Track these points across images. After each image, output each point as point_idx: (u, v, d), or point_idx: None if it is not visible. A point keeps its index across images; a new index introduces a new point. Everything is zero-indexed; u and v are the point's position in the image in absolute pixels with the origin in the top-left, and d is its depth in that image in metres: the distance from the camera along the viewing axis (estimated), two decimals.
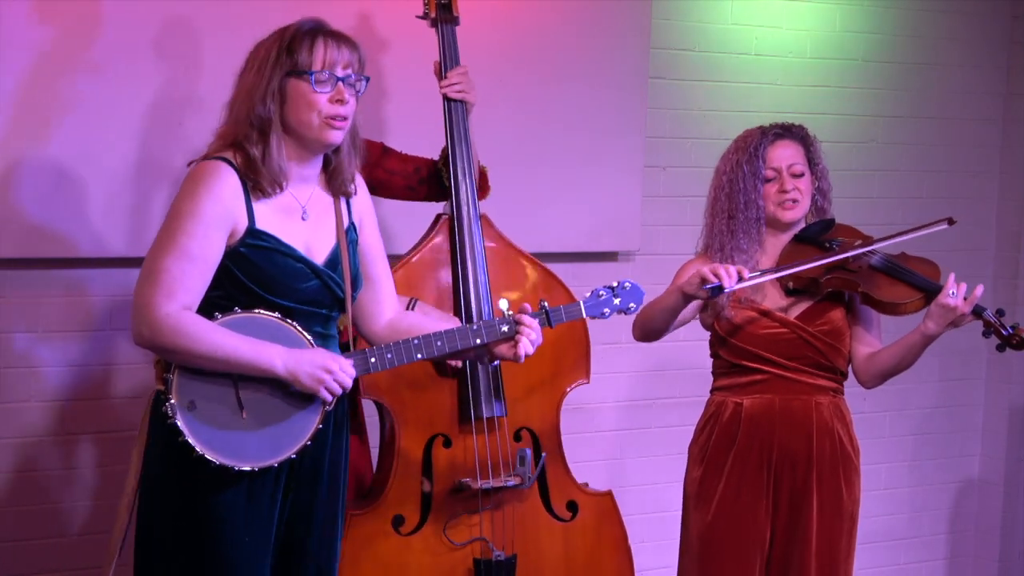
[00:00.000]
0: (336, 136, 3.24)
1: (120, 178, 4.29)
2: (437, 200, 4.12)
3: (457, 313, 3.94)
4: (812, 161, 3.98)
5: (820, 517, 3.91)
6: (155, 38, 4.29)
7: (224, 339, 3.12)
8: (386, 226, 4.14)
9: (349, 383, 3.22)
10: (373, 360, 3.28)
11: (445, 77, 4.02)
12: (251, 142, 3.19)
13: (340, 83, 3.22)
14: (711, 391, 4.05)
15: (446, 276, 3.98)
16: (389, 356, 3.29)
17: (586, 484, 4.12)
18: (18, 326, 4.28)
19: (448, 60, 4.04)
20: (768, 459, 3.92)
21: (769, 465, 3.92)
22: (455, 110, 4.02)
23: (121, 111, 4.27)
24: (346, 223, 3.35)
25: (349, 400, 3.42)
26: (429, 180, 4.09)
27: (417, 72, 4.28)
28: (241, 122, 3.21)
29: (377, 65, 4.45)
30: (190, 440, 3.13)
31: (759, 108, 5.18)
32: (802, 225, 4.00)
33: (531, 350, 3.38)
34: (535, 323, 3.38)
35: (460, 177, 4.00)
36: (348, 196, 3.36)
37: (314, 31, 3.24)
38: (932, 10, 5.62)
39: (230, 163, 3.20)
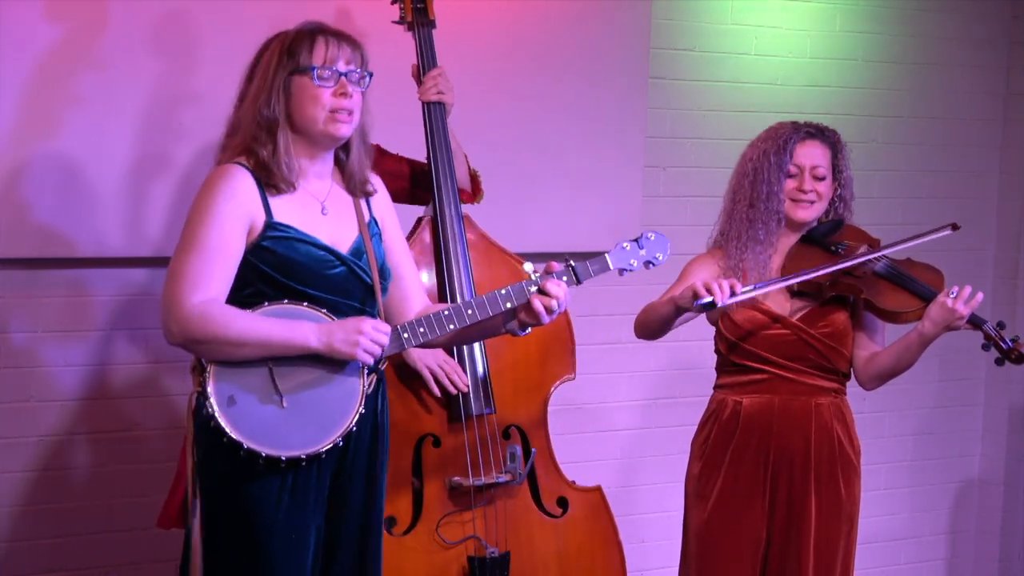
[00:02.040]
0: (343, 129, 3.25)
1: (123, 174, 4.29)
2: (426, 204, 4.12)
3: None
4: (837, 168, 3.97)
5: (818, 517, 3.91)
6: (155, 34, 4.29)
7: (254, 322, 3.13)
8: None
9: (386, 340, 3.20)
10: (406, 335, 3.26)
11: (422, 81, 4.01)
12: (260, 143, 3.22)
13: (343, 78, 3.24)
14: (714, 387, 4.05)
15: (430, 277, 3.97)
16: (421, 330, 3.27)
17: (574, 481, 4.12)
18: (22, 326, 4.28)
19: (426, 63, 4.03)
20: (765, 458, 3.92)
21: (766, 464, 3.92)
22: (433, 112, 4.00)
23: (123, 108, 4.26)
24: (367, 218, 3.36)
25: None
26: (422, 182, 4.08)
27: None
28: (248, 127, 3.24)
29: None
30: (235, 436, 3.11)
31: (759, 108, 5.18)
32: (813, 225, 4.00)
33: (556, 308, 3.29)
34: (562, 285, 3.30)
35: (441, 179, 3.99)
36: (369, 196, 3.38)
37: (314, 31, 3.26)
38: (932, 10, 5.62)
39: (243, 166, 3.22)
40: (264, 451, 3.13)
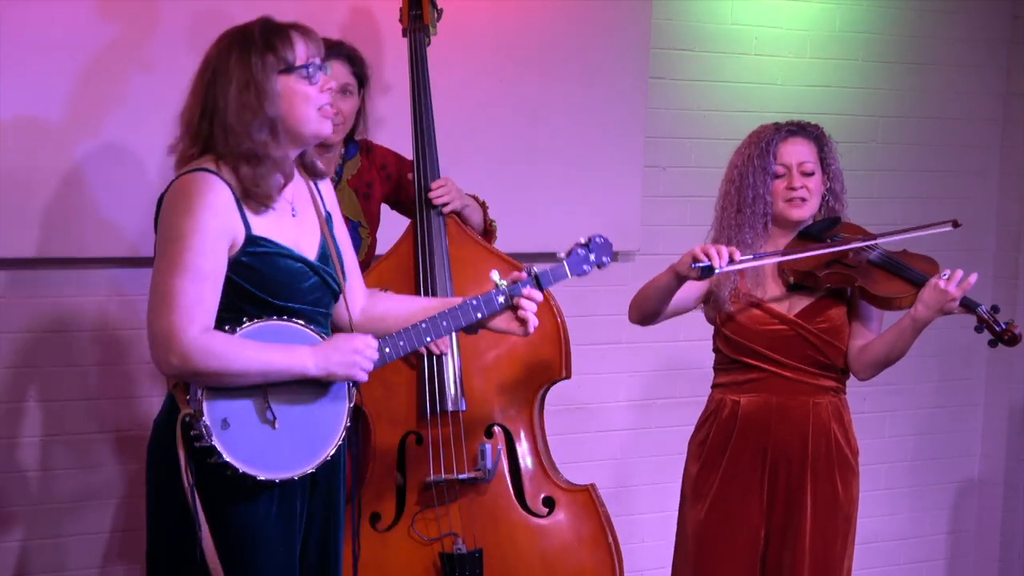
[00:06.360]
0: (329, 127, 3.23)
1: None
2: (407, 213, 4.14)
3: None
4: (825, 161, 3.97)
5: (814, 517, 3.91)
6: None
7: (255, 352, 3.06)
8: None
9: (376, 356, 3.21)
10: (387, 350, 3.26)
11: (430, 189, 4.00)
12: (269, 148, 3.11)
13: (321, 72, 3.19)
14: (712, 386, 4.05)
15: (412, 280, 3.99)
16: (402, 343, 3.28)
17: (568, 480, 4.13)
18: (23, 325, 4.28)
19: (414, 71, 4.03)
20: (762, 458, 3.92)
21: (763, 464, 3.92)
22: (419, 111, 4.02)
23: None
24: (324, 212, 3.32)
25: None
26: (404, 187, 4.12)
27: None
28: (242, 133, 3.10)
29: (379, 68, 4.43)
30: (230, 459, 3.05)
31: (759, 108, 5.18)
32: (808, 224, 4.00)
33: (537, 321, 3.39)
34: (535, 292, 3.38)
35: (423, 181, 4.00)
36: (322, 176, 3.33)
37: (279, 26, 3.19)
38: (932, 10, 5.63)
39: (216, 175, 3.11)
40: (260, 474, 3.08)
